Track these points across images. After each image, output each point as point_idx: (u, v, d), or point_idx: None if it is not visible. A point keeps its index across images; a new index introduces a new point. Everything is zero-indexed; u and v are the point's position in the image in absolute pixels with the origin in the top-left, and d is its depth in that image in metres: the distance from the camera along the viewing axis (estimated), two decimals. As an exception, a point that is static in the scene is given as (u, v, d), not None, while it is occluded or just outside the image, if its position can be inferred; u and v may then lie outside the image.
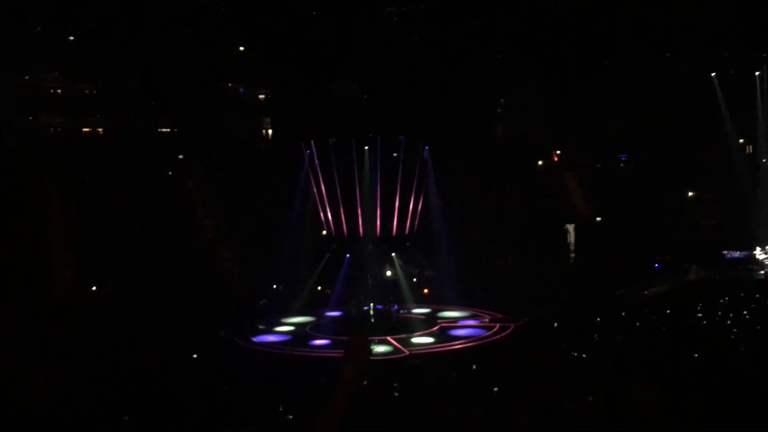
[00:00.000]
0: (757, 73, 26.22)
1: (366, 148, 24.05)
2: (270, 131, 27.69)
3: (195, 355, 15.94)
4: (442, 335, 19.67)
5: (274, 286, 24.63)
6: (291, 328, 21.03)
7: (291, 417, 10.46)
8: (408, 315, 22.54)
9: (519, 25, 22.89)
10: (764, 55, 24.88)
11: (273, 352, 17.84)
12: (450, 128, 25.19)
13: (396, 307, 22.80)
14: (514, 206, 26.59)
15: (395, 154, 24.64)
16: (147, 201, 22.55)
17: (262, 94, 26.11)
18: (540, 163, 30.32)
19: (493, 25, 23.09)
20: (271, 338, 19.64)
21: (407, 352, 17.50)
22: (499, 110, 30.20)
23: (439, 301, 23.69)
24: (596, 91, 25.76)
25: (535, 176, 29.87)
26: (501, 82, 26.56)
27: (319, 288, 24.84)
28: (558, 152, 30.13)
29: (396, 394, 11.91)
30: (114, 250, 21.31)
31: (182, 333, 16.96)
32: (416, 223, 24.83)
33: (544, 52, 24.30)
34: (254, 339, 19.31)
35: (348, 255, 24.28)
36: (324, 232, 25.33)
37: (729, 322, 16.87)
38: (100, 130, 25.59)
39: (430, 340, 19.14)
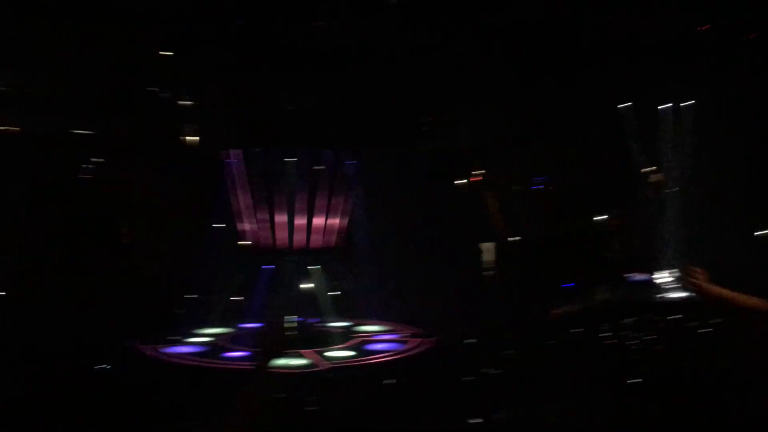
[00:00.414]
0: (659, 107, 27.73)
1: (292, 159, 23.96)
2: (193, 138, 27.14)
3: (101, 366, 15.44)
4: (360, 349, 19.77)
5: (190, 296, 24.12)
6: (206, 339, 20.66)
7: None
8: (326, 328, 22.54)
9: (455, 44, 23.27)
10: (673, 85, 26.28)
11: (184, 364, 17.48)
12: (378, 142, 25.41)
13: (315, 320, 22.76)
14: (436, 222, 27.03)
15: (321, 167, 24.65)
16: (58, 204, 21.75)
17: (186, 99, 25.57)
18: (462, 181, 30.94)
19: (430, 41, 23.40)
20: (183, 349, 19.24)
21: (324, 366, 17.49)
22: (425, 128, 30.65)
23: (358, 315, 23.80)
24: (519, 112, 26.60)
25: (457, 193, 30.45)
26: (431, 98, 26.96)
27: (236, 299, 24.50)
28: (479, 171, 30.84)
29: (309, 409, 11.90)
30: (18, 254, 20.44)
31: (89, 342, 16.40)
32: (340, 235, 24.90)
33: (475, 71, 24.79)
34: (165, 350, 18.87)
35: (268, 266, 24.07)
36: (244, 243, 25.03)
37: (628, 341, 17.65)
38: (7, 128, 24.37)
39: (347, 353, 19.20)
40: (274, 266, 23.92)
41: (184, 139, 27.33)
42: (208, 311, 22.93)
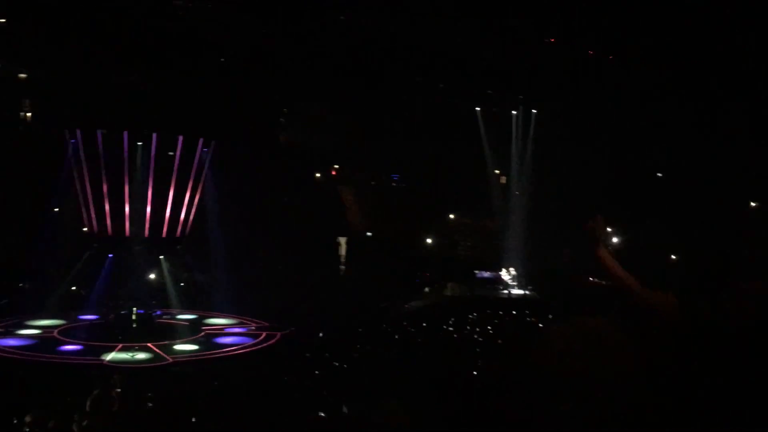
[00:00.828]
0: (513, 113, 29.25)
1: (139, 143, 22.80)
2: (30, 115, 25.09)
3: None
4: (208, 342, 19.22)
5: (21, 284, 22.35)
6: (37, 331, 19.20)
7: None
8: (172, 321, 21.70)
9: (312, 39, 23.16)
10: (520, 96, 27.79)
11: (12, 357, 16.15)
12: (233, 132, 24.78)
13: (159, 312, 21.83)
14: (290, 216, 26.84)
15: (171, 153, 23.66)
16: None
17: (23, 72, 23.54)
18: (318, 175, 30.96)
19: (287, 32, 23.12)
20: (11, 342, 17.78)
21: (170, 360, 16.84)
22: (282, 119, 30.33)
23: (207, 308, 23.12)
24: (376, 110, 26.99)
25: (313, 188, 30.41)
26: (289, 91, 26.69)
27: (74, 288, 22.97)
28: (336, 166, 31.02)
29: (150, 405, 11.34)
30: None
31: None
32: (189, 225, 24.05)
33: (332, 68, 24.83)
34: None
35: (111, 255, 22.78)
36: (85, 229, 23.52)
37: (475, 335, 18.44)
38: None
39: (194, 347, 18.60)
40: (118, 255, 22.69)
41: (23, 116, 25.25)
42: (43, 300, 21.26)
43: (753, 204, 23.63)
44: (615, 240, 24.51)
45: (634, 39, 20.07)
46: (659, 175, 26.25)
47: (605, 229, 3.09)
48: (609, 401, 1.87)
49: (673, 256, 18.88)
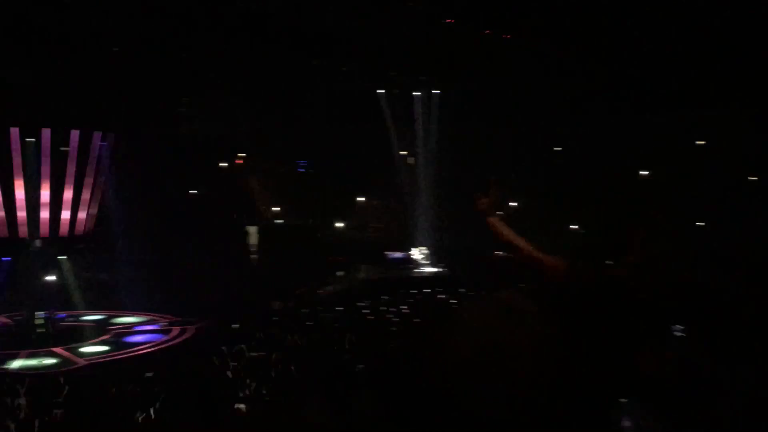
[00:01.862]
0: (415, 93, 29.61)
1: (32, 140, 21.61)
2: None
3: None
4: (118, 342, 18.61)
5: None
6: None
7: None
8: (77, 323, 20.85)
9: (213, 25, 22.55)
10: (421, 78, 28.13)
11: None
12: (133, 124, 23.90)
13: (63, 314, 20.92)
14: (198, 207, 26.24)
15: (65, 148, 22.55)
16: None
17: None
18: (224, 165, 30.33)
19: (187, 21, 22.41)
20: None
21: (81, 362, 16.21)
22: (183, 109, 29.49)
23: (114, 307, 22.33)
24: (281, 97, 26.67)
25: (219, 178, 29.79)
26: (188, 80, 25.97)
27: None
28: (242, 155, 30.48)
29: (58, 411, 10.93)
30: None
31: None
32: (91, 222, 23.06)
33: (234, 55, 24.32)
34: None
35: (5, 257, 21.61)
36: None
37: (390, 316, 18.72)
38: None
39: (104, 348, 17.97)
40: (14, 256, 21.55)
41: None
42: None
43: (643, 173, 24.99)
44: (514, 205, 25.35)
45: (530, 17, 20.70)
46: (559, 148, 27.26)
47: (499, 194, 3.21)
48: (524, 370, 1.93)
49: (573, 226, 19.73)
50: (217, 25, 21.63)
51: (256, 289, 23.30)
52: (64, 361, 16.48)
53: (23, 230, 21.48)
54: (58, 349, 17.29)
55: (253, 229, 28.46)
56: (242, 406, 10.45)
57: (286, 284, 23.90)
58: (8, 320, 20.02)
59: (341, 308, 20.30)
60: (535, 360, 1.92)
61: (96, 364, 16.33)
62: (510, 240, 3.07)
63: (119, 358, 16.99)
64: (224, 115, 27.72)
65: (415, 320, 18.13)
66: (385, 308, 20.12)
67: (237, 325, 18.48)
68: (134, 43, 22.06)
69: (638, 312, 2.39)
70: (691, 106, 21.87)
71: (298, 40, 23.00)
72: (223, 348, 15.08)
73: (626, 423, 1.77)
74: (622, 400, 1.77)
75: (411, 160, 31.37)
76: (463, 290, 21.90)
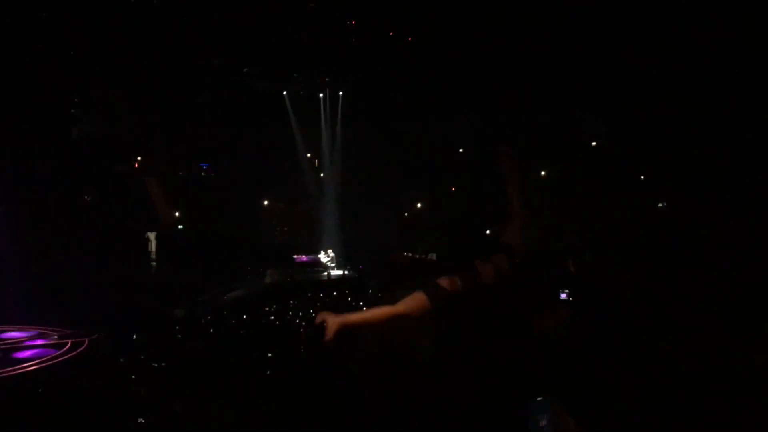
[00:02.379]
0: (321, 95, 29.47)
1: None
2: None
3: None
4: (5, 359, 17.36)
5: None
6: None
7: None
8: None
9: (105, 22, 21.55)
10: (327, 79, 28.07)
11: None
12: (13, 128, 22.47)
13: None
14: (91, 213, 25.01)
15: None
16: None
17: None
18: (120, 168, 29.06)
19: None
20: None
21: None
22: (74, 110, 28.05)
23: (-1, 321, 20.87)
24: (180, 98, 25.85)
25: (115, 182, 28.52)
26: (78, 79, 24.76)
27: None
28: (139, 158, 29.31)
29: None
30: None
31: None
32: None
33: (125, 53, 23.37)
34: None
35: None
36: None
37: (297, 320, 18.44)
38: None
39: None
40: None
41: None
42: None
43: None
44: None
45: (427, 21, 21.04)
46: (460, 150, 27.80)
47: (515, 164, 3.13)
48: (422, 366, 1.97)
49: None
50: (112, 21, 20.79)
51: (156, 298, 22.42)
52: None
53: None
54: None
55: (152, 235, 27.43)
56: (142, 420, 9.97)
57: (190, 291, 23.17)
58: None
59: (247, 313, 19.85)
60: (433, 356, 1.96)
61: None
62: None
63: (9, 375, 15.86)
64: (120, 116, 26.55)
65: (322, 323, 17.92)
66: (292, 312, 19.82)
67: (135, 336, 17.70)
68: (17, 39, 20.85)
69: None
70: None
71: (198, 37, 22.44)
72: (122, 360, 14.38)
73: (542, 422, 1.73)
74: (537, 398, 1.74)
75: (316, 162, 31.22)
76: (370, 292, 21.90)
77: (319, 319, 3.08)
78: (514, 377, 2.18)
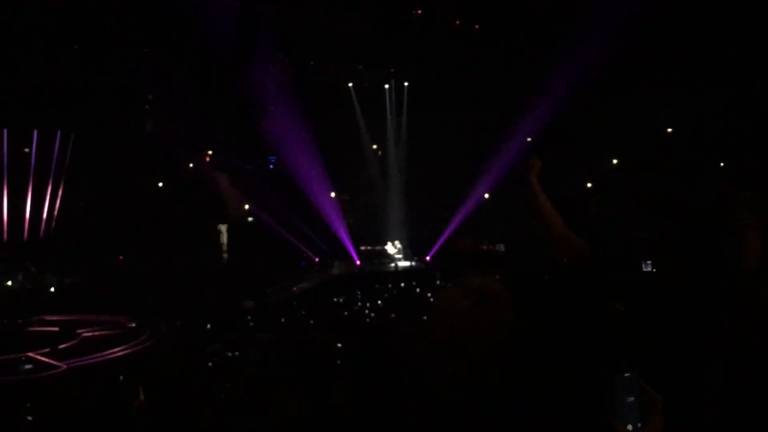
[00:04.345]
0: (386, 86, 29.44)
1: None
2: None
3: None
4: (93, 345, 18.12)
5: None
6: None
7: None
8: (41, 328, 20.29)
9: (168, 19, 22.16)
10: (392, 70, 28.01)
11: None
12: (91, 122, 23.35)
13: (25, 319, 20.37)
14: (164, 206, 25.76)
15: (26, 149, 21.97)
16: None
17: None
18: (191, 165, 29.83)
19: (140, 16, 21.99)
20: None
21: (64, 366, 15.72)
22: (147, 106, 28.92)
23: (76, 311, 21.76)
24: (246, 93, 26.27)
25: (186, 176, 29.29)
26: (150, 76, 25.48)
27: None
28: (210, 152, 30.01)
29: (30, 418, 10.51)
30: None
31: None
32: (51, 225, 22.45)
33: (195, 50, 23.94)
34: None
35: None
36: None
37: (367, 311, 18.52)
38: None
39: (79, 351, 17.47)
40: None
41: None
42: None
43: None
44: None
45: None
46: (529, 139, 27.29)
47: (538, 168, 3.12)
48: (492, 354, 1.92)
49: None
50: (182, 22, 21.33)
51: (228, 288, 22.96)
52: (44, 365, 16.02)
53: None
54: (34, 354, 16.78)
55: (223, 228, 28.07)
56: (221, 406, 10.17)
57: (259, 282, 23.61)
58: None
59: (316, 304, 20.09)
60: (505, 345, 1.91)
61: (76, 367, 15.87)
62: (547, 213, 2.95)
63: (98, 362, 16.56)
64: (188, 112, 27.20)
65: (391, 314, 17.99)
66: (360, 303, 19.94)
67: (209, 326, 18.16)
68: (94, 41, 21.63)
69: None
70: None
71: (264, 33, 22.78)
72: (200, 347, 14.77)
73: (629, 398, 1.68)
74: (624, 374, 1.69)
75: (381, 153, 31.27)
76: (438, 283, 21.84)
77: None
78: (598, 353, 2.11)
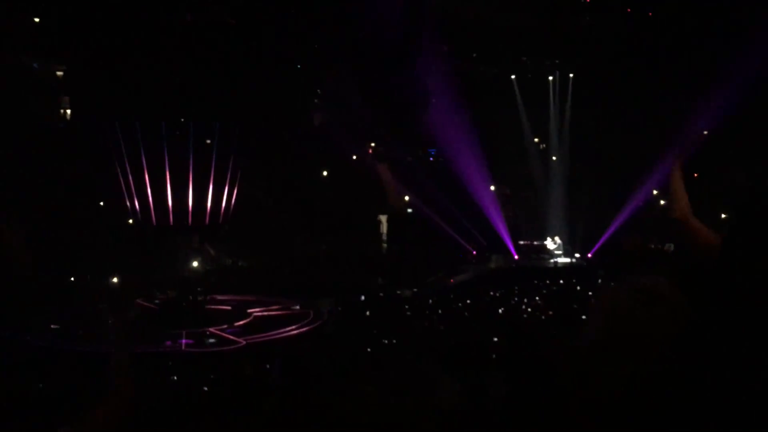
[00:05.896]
0: (550, 78, 28.65)
1: (177, 133, 22.92)
2: (68, 111, 25.49)
3: None
4: (260, 324, 19.35)
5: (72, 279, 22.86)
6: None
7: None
8: (217, 306, 21.95)
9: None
10: (556, 61, 27.20)
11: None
12: (265, 115, 24.80)
13: (207, 298, 22.13)
14: (328, 196, 26.84)
15: (208, 141, 23.75)
16: None
17: (59, 70, 23.90)
18: (354, 157, 30.81)
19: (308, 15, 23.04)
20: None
21: (243, 342, 16.97)
22: (316, 100, 30.22)
23: (247, 292, 23.23)
24: (409, 85, 26.66)
25: (349, 167, 30.28)
26: (318, 70, 26.61)
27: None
28: (372, 144, 30.82)
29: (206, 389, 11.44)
30: None
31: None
32: (229, 211, 24.16)
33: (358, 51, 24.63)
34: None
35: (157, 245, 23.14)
36: (131, 221, 23.86)
37: (523, 306, 18.26)
38: None
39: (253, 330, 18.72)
40: (163, 244, 23.02)
41: (62, 113, 25.65)
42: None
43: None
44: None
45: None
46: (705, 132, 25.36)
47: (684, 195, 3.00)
48: (662, 360, 1.84)
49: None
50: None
51: (387, 277, 23.56)
52: (225, 340, 17.33)
53: (170, 219, 22.84)
54: (215, 330, 18.17)
55: (383, 218, 28.78)
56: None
57: (417, 272, 23.99)
58: (149, 304, 20.93)
59: (472, 297, 20.09)
60: (678, 350, 1.82)
61: (255, 343, 16.99)
62: (709, 241, 2.78)
63: (272, 339, 17.61)
64: (354, 106, 28.07)
65: (548, 311, 17.60)
66: (517, 298, 19.68)
67: (368, 312, 18.76)
68: (264, 35, 22.90)
69: None
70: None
71: (425, 25, 23.00)
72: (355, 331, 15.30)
73: None
74: None
75: (542, 147, 30.51)
76: (600, 282, 21.02)
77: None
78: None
